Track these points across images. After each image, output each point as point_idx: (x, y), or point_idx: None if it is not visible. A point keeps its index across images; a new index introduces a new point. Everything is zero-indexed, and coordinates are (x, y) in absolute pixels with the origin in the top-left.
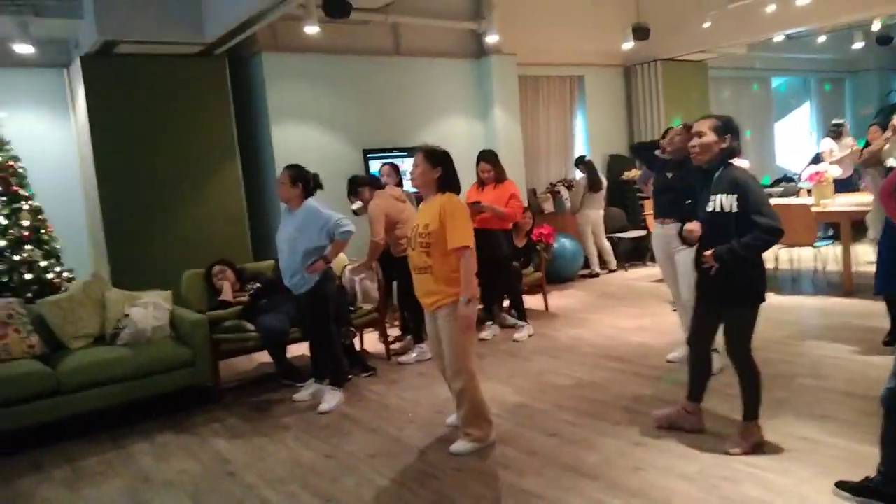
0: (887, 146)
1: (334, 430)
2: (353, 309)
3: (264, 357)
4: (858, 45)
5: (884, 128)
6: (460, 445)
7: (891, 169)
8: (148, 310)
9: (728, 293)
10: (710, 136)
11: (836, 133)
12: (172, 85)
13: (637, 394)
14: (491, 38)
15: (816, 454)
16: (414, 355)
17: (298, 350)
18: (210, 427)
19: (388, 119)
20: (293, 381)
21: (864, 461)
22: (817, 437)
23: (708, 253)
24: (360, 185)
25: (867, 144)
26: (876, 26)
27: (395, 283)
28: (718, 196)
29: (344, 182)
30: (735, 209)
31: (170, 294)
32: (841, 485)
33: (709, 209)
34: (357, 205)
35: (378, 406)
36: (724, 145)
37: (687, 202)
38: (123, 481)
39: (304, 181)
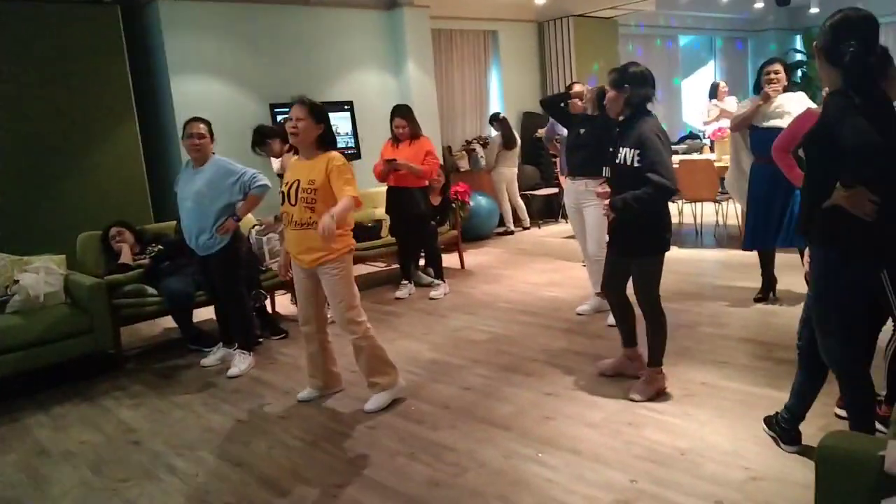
0: (761, 109)
1: (245, 394)
2: (262, 270)
3: (169, 322)
4: (759, 5)
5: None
6: (373, 402)
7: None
8: (39, 275)
9: (633, 243)
10: (612, 92)
11: (712, 94)
12: (57, 34)
13: (549, 346)
14: None
15: (715, 397)
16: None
17: (204, 314)
18: (112, 395)
19: (296, 72)
20: (200, 345)
21: (759, 402)
22: (716, 381)
23: (606, 201)
24: (270, 137)
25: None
26: None
27: None
28: (625, 149)
29: (249, 138)
30: (636, 164)
31: (63, 258)
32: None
33: (617, 161)
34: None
35: (290, 368)
36: (625, 95)
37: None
38: (18, 455)
39: (213, 135)
